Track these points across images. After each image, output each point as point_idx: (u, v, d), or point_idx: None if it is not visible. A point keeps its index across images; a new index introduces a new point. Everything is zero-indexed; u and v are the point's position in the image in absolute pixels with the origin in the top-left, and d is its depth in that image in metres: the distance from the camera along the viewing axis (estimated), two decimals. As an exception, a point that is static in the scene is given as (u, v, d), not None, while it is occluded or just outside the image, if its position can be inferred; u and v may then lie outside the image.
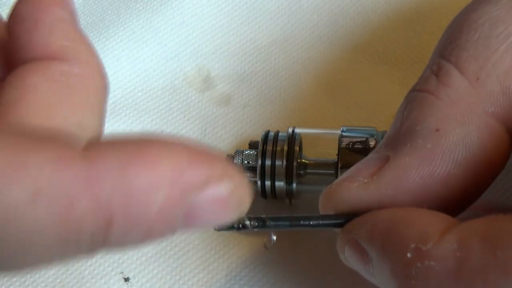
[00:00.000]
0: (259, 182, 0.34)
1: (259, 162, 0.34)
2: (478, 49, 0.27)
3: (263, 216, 0.27)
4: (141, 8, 0.44)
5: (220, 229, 0.27)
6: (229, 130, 0.39)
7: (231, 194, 0.20)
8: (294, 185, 0.34)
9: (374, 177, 0.27)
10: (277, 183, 0.34)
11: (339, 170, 0.32)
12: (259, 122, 0.40)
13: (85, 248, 0.19)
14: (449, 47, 0.28)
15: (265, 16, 0.44)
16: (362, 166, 0.28)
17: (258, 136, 0.35)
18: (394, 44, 0.42)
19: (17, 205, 0.18)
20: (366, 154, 0.31)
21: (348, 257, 0.27)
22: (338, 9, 0.44)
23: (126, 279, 0.34)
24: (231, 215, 0.21)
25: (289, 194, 0.34)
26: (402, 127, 0.27)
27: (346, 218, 0.27)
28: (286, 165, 0.34)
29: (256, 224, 0.27)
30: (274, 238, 0.29)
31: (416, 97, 0.28)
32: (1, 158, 0.18)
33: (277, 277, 0.34)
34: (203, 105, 0.40)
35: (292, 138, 0.34)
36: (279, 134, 0.35)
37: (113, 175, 0.19)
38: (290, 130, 0.35)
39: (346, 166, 0.31)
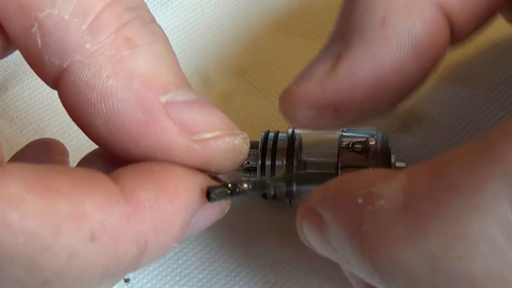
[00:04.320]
0: (259, 182, 0.34)
1: (259, 162, 0.34)
2: None
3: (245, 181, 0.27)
4: (141, 8, 0.44)
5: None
6: (229, 130, 0.39)
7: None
8: (294, 185, 0.34)
9: (330, 74, 0.27)
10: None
11: (339, 170, 0.32)
12: (259, 122, 0.40)
13: (119, 275, 0.23)
14: None
15: (266, 16, 0.44)
16: (316, 64, 0.28)
17: (258, 136, 0.35)
18: (394, 44, 0.42)
19: (78, 243, 0.21)
20: (367, 154, 0.31)
21: (306, 229, 0.26)
22: (338, 9, 0.44)
23: (126, 280, 0.34)
24: None
25: (289, 194, 0.34)
26: (350, 20, 0.28)
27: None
28: (286, 165, 0.34)
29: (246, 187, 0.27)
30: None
31: None
32: (64, 205, 0.21)
33: (277, 277, 0.34)
34: (203, 105, 0.40)
35: (292, 138, 0.34)
36: (279, 134, 0.35)
37: (148, 211, 0.22)
38: (290, 130, 0.35)
39: (346, 166, 0.32)
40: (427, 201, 0.21)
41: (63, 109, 0.24)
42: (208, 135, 0.24)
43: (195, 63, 0.42)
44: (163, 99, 0.23)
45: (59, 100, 0.24)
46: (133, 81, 0.23)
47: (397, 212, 0.21)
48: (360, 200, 0.23)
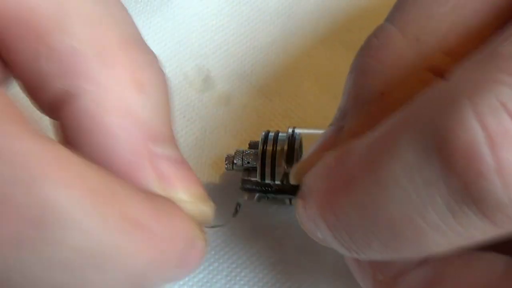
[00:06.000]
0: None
1: (259, 162, 0.34)
2: (420, 12, 0.28)
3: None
4: (141, 8, 0.44)
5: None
6: (229, 130, 0.39)
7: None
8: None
9: (330, 148, 0.28)
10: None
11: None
12: (259, 122, 0.40)
13: None
14: (394, 12, 0.29)
15: (265, 16, 0.44)
16: (322, 140, 0.29)
17: (258, 136, 0.35)
18: (394, 44, 0.42)
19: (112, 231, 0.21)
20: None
21: (298, 210, 0.27)
22: (338, 9, 0.44)
23: (126, 280, 0.34)
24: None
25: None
26: (350, 96, 0.28)
27: None
28: (286, 165, 0.34)
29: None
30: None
31: (359, 64, 0.29)
32: (99, 188, 0.21)
33: (277, 277, 0.34)
34: (203, 105, 0.40)
35: (292, 138, 0.34)
36: (279, 134, 0.35)
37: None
38: (290, 130, 0.35)
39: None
40: (359, 156, 0.24)
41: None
42: (183, 197, 0.25)
43: (195, 63, 0.42)
44: (152, 148, 0.24)
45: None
46: (131, 122, 0.23)
47: (338, 169, 0.24)
48: (320, 165, 0.26)
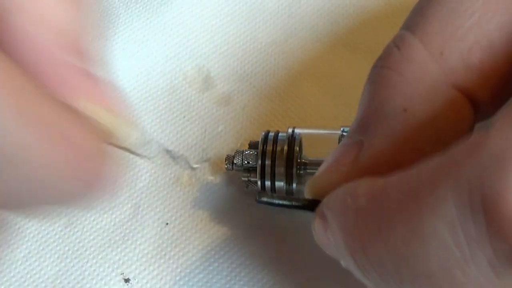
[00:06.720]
0: (259, 182, 0.34)
1: (259, 162, 0.34)
2: (443, 24, 0.27)
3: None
4: (141, 8, 0.44)
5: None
6: (229, 130, 0.40)
7: None
8: (294, 185, 0.34)
9: (353, 165, 0.27)
10: (277, 183, 0.34)
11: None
12: (259, 122, 0.40)
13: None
14: (415, 20, 0.27)
15: (265, 16, 0.44)
16: (340, 154, 0.28)
17: (258, 136, 0.35)
18: (394, 44, 0.42)
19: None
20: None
21: (316, 229, 0.27)
22: (338, 9, 0.44)
23: (127, 280, 0.34)
24: None
25: (289, 194, 0.34)
26: (370, 108, 0.27)
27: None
28: (286, 165, 0.34)
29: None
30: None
31: (379, 75, 0.27)
32: (21, 88, 0.20)
33: (277, 277, 0.34)
34: (203, 105, 0.40)
35: (292, 138, 0.34)
36: (279, 134, 0.35)
37: None
38: (290, 130, 0.35)
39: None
40: (395, 202, 0.23)
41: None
42: (90, 108, 0.24)
43: (195, 63, 0.42)
44: (66, 59, 0.23)
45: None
46: (47, 31, 0.23)
47: (371, 211, 0.24)
48: (349, 199, 0.25)
